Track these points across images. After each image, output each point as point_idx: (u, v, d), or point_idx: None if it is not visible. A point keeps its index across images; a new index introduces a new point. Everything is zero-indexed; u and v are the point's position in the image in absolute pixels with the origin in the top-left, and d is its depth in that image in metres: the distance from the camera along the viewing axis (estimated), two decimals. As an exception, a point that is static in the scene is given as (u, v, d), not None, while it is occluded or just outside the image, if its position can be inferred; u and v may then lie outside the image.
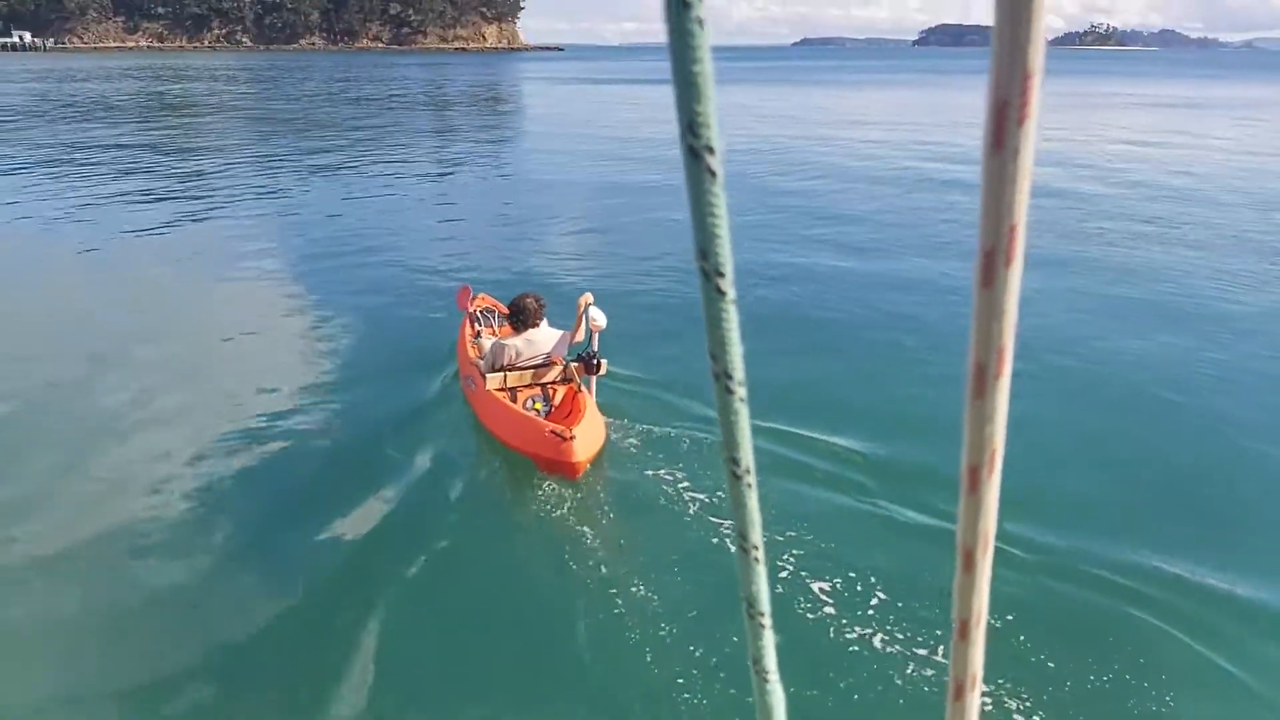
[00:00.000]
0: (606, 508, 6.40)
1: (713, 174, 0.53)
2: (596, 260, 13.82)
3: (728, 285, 0.58)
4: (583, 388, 7.47)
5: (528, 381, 7.32)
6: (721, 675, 4.70)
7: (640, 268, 12.95)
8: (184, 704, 4.65)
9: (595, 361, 7.33)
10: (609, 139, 31.98)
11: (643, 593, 5.39)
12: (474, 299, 9.05)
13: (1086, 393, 8.53)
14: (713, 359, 0.62)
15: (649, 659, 4.87)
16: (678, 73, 0.50)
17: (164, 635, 5.18)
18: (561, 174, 23.26)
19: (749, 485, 0.71)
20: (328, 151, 27.08)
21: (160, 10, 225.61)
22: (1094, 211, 17.23)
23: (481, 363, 7.47)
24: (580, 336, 7.39)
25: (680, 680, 4.69)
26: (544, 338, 7.37)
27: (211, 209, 17.89)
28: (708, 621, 5.11)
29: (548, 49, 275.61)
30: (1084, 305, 11.27)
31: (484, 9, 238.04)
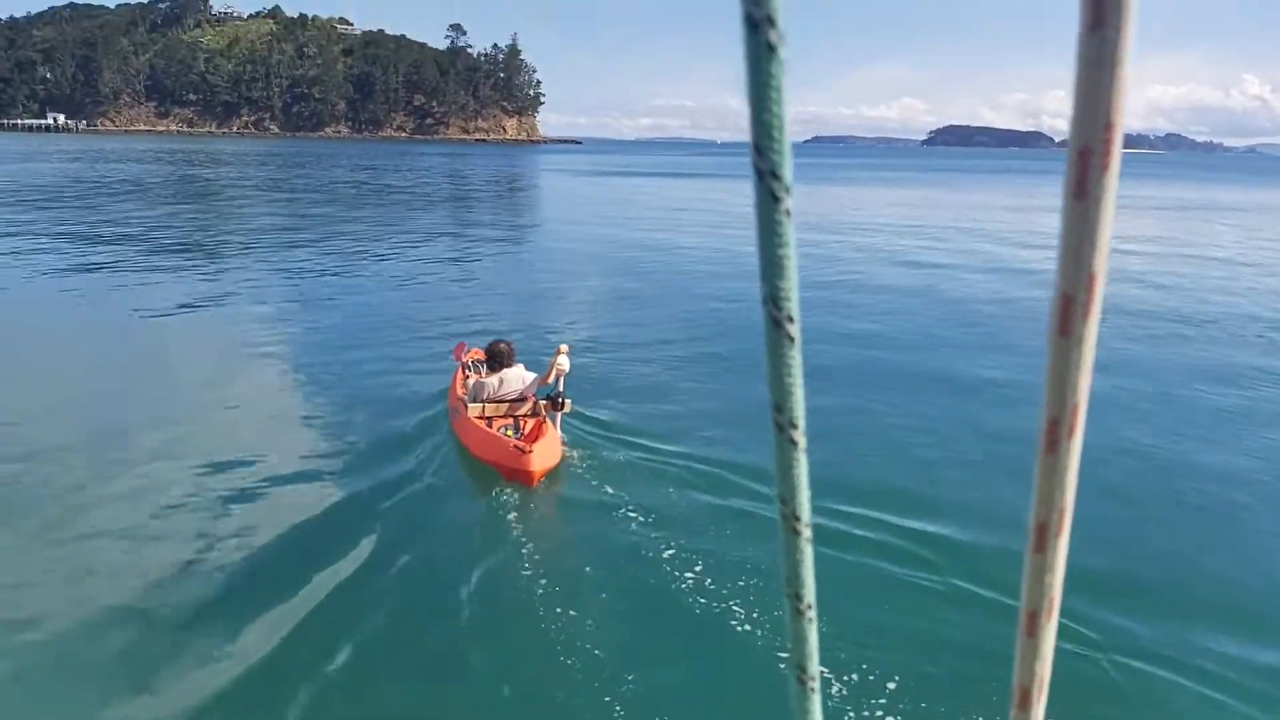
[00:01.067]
0: (554, 513, 7.79)
1: (788, 213, 0.54)
2: (592, 324, 15.56)
3: (796, 331, 0.58)
4: (549, 421, 8.78)
5: (502, 413, 8.80)
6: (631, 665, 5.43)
7: (627, 333, 14.74)
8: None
9: (560, 400, 8.82)
10: (619, 223, 33.34)
11: (574, 588, 6.42)
12: (468, 351, 10.70)
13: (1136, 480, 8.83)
14: (776, 409, 0.62)
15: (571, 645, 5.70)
16: (755, 108, 0.51)
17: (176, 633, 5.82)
18: (572, 253, 24.79)
19: (807, 540, 0.70)
20: (352, 233, 27.69)
21: (191, 97, 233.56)
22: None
23: (465, 397, 9.07)
24: (551, 379, 8.88)
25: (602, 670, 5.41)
26: (516, 376, 8.94)
27: (238, 284, 18.60)
28: (632, 606, 6.18)
29: (566, 142, 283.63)
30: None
31: (505, 103, 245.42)
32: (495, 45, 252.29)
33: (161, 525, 7.30)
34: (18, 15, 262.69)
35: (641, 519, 7.44)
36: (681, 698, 5.22)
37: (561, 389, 8.86)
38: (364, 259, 22.80)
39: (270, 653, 5.56)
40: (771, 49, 0.49)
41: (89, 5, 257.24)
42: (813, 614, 0.73)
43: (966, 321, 16.16)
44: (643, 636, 5.85)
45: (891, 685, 5.26)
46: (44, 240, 23.66)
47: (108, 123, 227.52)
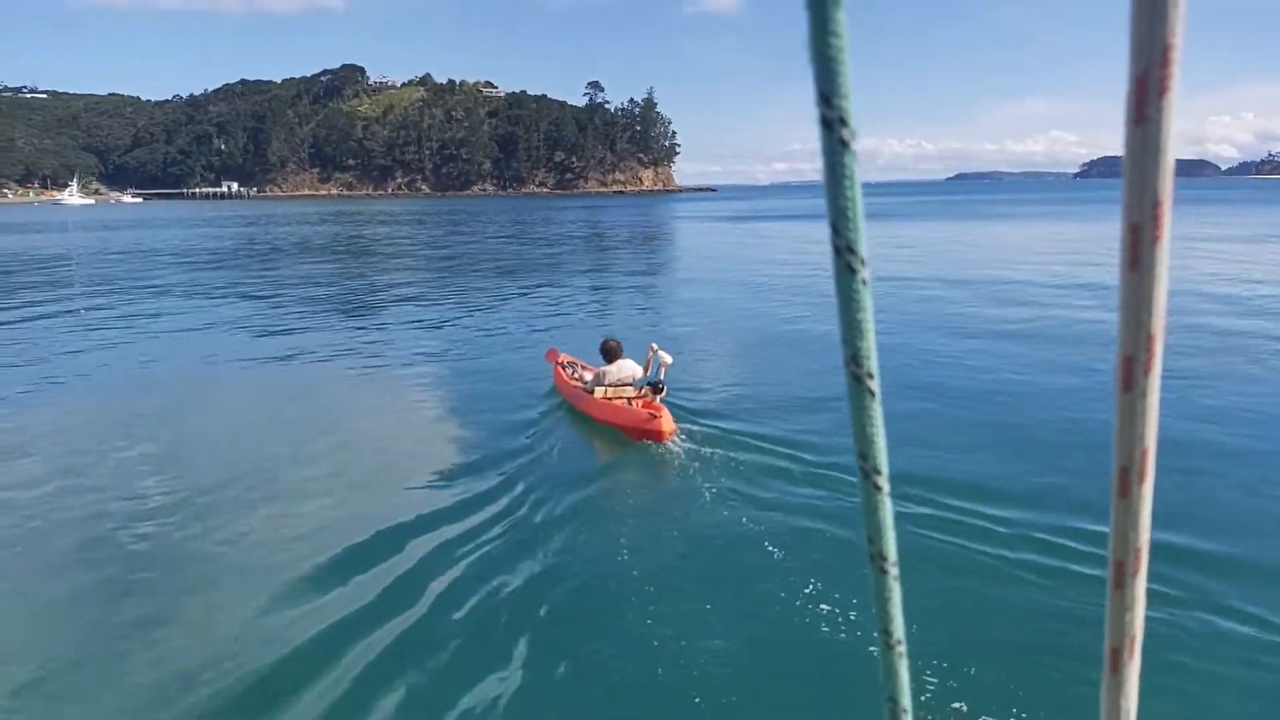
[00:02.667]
0: (672, 463, 9.68)
1: (864, 283, 0.59)
2: (703, 344, 17.21)
3: (875, 386, 0.63)
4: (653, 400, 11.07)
5: (618, 394, 11.35)
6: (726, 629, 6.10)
7: (729, 350, 16.58)
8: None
9: (660, 385, 11.08)
10: (751, 267, 32.83)
11: (679, 521, 8.09)
12: (560, 356, 13.66)
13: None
14: (861, 457, 0.66)
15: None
16: (831, 194, 0.56)
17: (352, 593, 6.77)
18: (704, 296, 25.43)
19: (895, 579, 0.72)
20: (500, 283, 28.02)
21: (350, 162, 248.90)
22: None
23: (588, 382, 11.74)
24: (651, 371, 11.32)
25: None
26: (627, 366, 11.59)
27: (403, 326, 19.85)
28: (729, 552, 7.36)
29: (701, 190, 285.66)
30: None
31: (641, 155, 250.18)
32: (631, 99, 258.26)
33: (357, 512, 8.51)
34: (196, 93, 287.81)
35: (734, 476, 9.14)
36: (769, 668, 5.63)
37: (663, 378, 11.11)
38: (511, 304, 24.02)
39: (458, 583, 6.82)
40: (844, 144, 0.55)
41: (259, 81, 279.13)
42: (903, 649, 0.75)
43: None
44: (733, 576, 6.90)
45: (976, 648, 5.61)
46: (230, 295, 24.90)
47: (275, 189, 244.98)
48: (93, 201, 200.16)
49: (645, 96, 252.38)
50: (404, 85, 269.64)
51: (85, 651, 6.06)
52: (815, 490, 8.56)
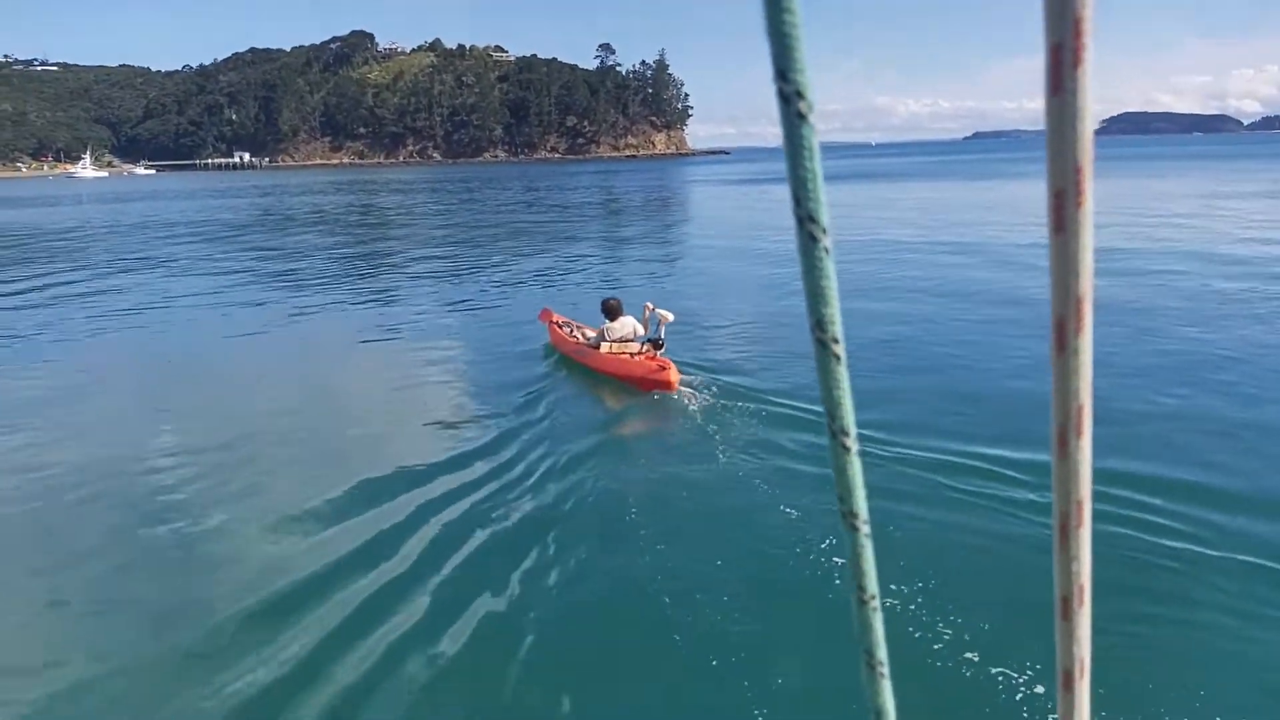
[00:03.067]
0: (684, 411, 10.42)
1: (826, 250, 0.62)
2: (709, 307, 17.44)
3: (840, 350, 0.65)
4: (655, 355, 11.71)
5: (621, 349, 11.97)
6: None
7: (745, 319, 16.31)
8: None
9: (660, 341, 11.82)
10: (759, 231, 32.74)
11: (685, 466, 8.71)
12: (554, 315, 14.19)
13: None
14: (830, 418, 0.68)
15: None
16: (791, 165, 0.59)
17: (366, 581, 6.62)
18: (711, 259, 25.80)
19: (866, 536, 0.73)
20: (512, 249, 27.94)
21: (361, 130, 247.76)
22: None
23: (591, 339, 12.52)
24: (648, 329, 12.03)
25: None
26: (629, 323, 12.17)
27: (412, 295, 19.62)
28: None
29: (714, 153, 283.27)
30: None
31: (653, 118, 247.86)
32: (643, 62, 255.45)
33: (380, 480, 8.58)
34: (206, 63, 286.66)
35: (733, 423, 9.84)
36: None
37: (662, 334, 11.87)
38: (521, 269, 24.40)
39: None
40: (802, 117, 0.58)
41: (268, 50, 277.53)
42: (877, 604, 0.76)
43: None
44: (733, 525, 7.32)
45: (945, 597, 5.94)
46: (246, 264, 24.96)
47: (287, 158, 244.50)
48: (106, 174, 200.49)
49: (657, 58, 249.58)
50: (413, 51, 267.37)
51: (97, 602, 6.42)
52: (814, 437, 9.02)
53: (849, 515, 0.71)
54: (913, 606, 5.79)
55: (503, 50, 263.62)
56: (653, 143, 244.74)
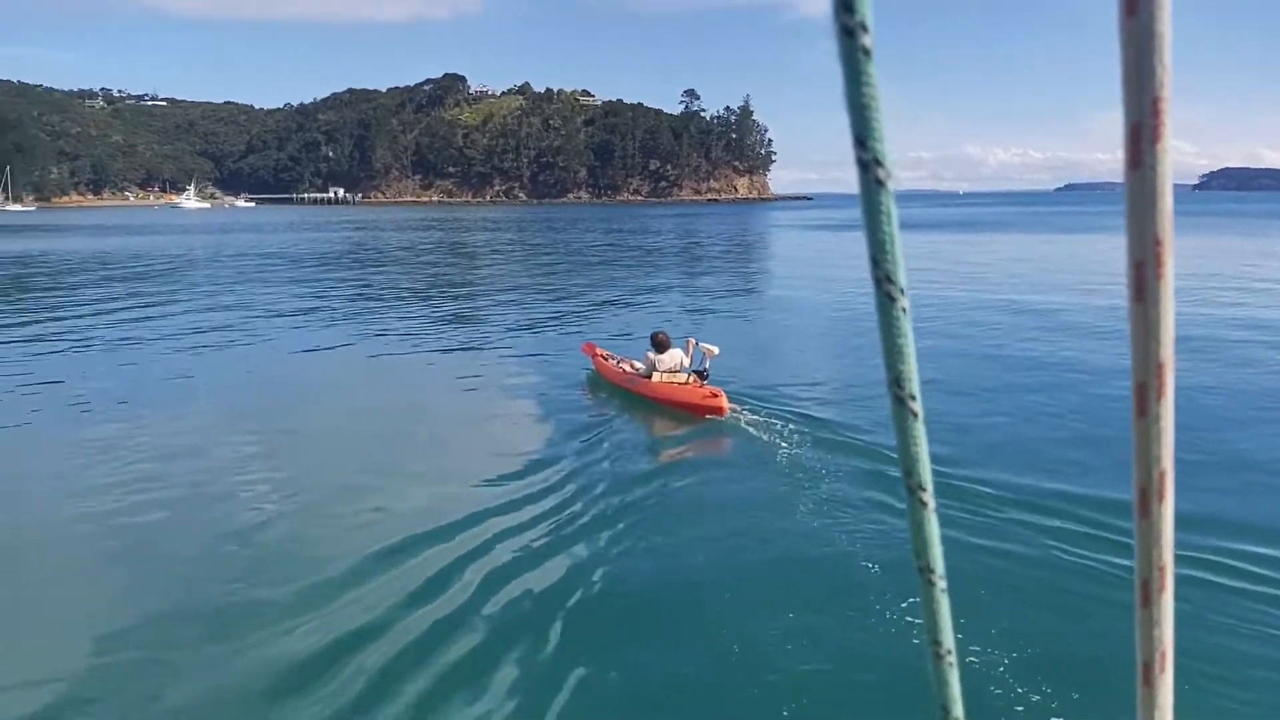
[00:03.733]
0: (730, 437, 11.27)
1: (904, 310, 0.64)
2: (769, 344, 18.40)
3: (918, 407, 0.67)
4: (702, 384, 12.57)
5: (671, 378, 12.80)
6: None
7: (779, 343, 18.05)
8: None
9: (705, 373, 12.72)
10: (843, 276, 31.80)
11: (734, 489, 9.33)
12: (597, 349, 15.26)
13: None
14: (906, 474, 0.69)
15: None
16: (870, 228, 0.62)
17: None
18: (788, 299, 26.06)
19: (942, 590, 0.74)
20: (589, 286, 27.72)
21: (451, 169, 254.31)
22: None
23: (640, 370, 13.37)
24: (693, 361, 12.91)
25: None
26: (676, 354, 13.03)
27: (492, 331, 19.40)
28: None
29: (797, 198, 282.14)
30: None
31: (736, 163, 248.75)
32: (727, 108, 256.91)
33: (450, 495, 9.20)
34: (306, 101, 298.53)
35: (787, 450, 10.48)
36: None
37: (707, 366, 12.72)
38: (605, 308, 24.48)
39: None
40: (880, 184, 0.60)
41: (365, 90, 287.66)
42: (953, 659, 0.76)
43: None
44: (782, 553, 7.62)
45: (1026, 657, 5.78)
46: (338, 294, 25.17)
47: (379, 195, 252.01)
48: (208, 205, 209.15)
49: (741, 104, 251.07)
50: (503, 94, 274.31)
51: (162, 623, 6.53)
52: (867, 466, 9.67)
53: (925, 570, 0.72)
54: (991, 663, 5.72)
55: (589, 94, 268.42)
56: (735, 187, 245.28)
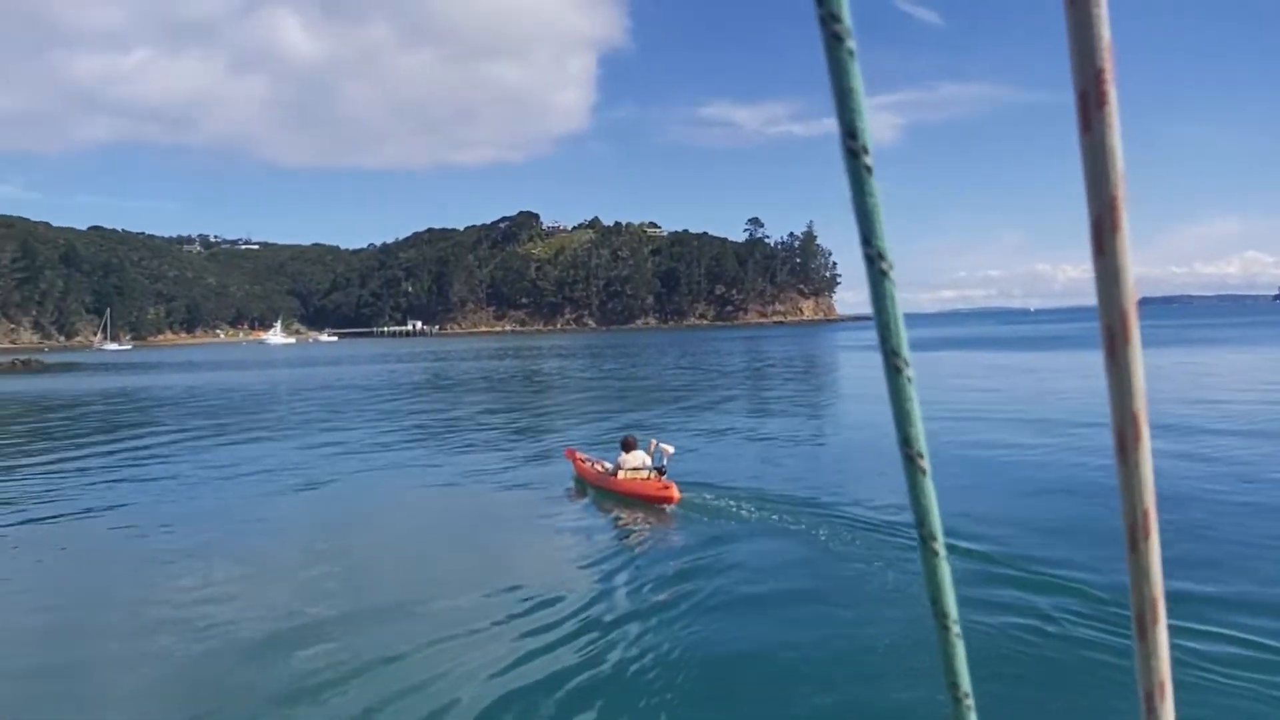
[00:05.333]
0: (678, 522, 13.63)
1: (909, 380, 0.74)
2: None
3: (925, 464, 0.74)
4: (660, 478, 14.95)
5: (634, 475, 15.06)
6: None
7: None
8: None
9: (663, 468, 15.02)
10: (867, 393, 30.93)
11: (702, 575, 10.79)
12: (577, 453, 17.63)
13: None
14: (919, 524, 0.75)
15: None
16: (877, 311, 0.72)
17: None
18: (844, 418, 24.77)
19: (957, 635, 0.78)
20: (674, 409, 28.05)
21: (524, 300, 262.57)
22: None
23: (609, 469, 15.62)
24: (654, 459, 15.21)
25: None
26: (639, 455, 15.30)
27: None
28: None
29: (863, 318, 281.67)
30: None
31: (801, 286, 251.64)
32: (791, 233, 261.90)
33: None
34: (388, 241, 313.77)
35: (731, 530, 12.95)
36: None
37: (665, 463, 15.13)
38: (681, 427, 23.96)
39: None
40: (884, 274, 0.71)
41: (444, 229, 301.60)
42: (970, 702, 0.80)
43: None
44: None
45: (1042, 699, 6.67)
46: (418, 422, 26.16)
47: (455, 326, 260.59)
48: (293, 340, 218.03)
49: (805, 229, 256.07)
50: (574, 229, 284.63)
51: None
52: (810, 529, 12.48)
53: (941, 616, 0.76)
54: (1007, 700, 6.46)
55: (656, 226, 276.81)
56: (800, 309, 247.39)
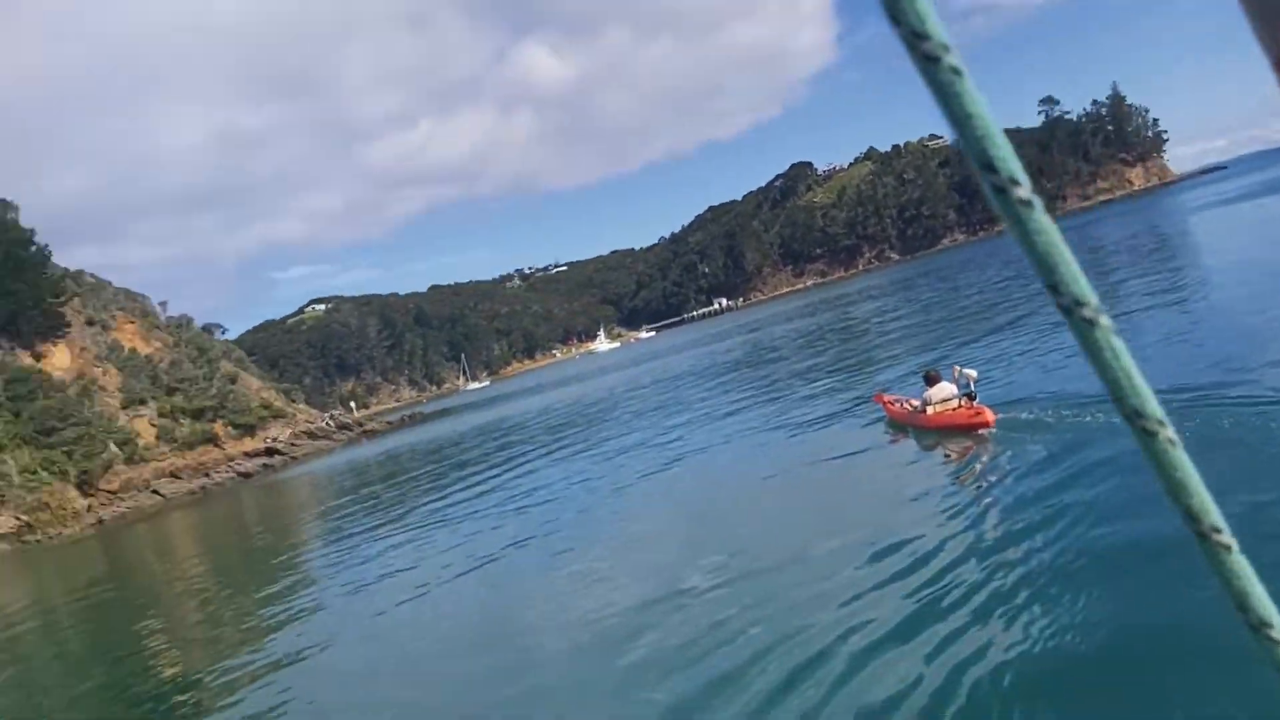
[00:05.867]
0: (999, 447, 13.36)
1: (1109, 331, 0.59)
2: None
3: (1171, 433, 0.60)
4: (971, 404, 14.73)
5: (944, 407, 15.06)
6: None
7: None
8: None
9: (973, 393, 14.72)
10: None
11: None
12: (885, 396, 17.82)
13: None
14: (1187, 512, 0.62)
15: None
16: (1028, 250, 0.58)
17: None
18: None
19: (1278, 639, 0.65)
20: (980, 334, 26.35)
21: (818, 251, 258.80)
22: None
23: (917, 406, 15.66)
24: (959, 387, 14.98)
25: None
26: (947, 387, 15.29)
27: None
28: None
29: (1207, 171, 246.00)
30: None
31: (1123, 155, 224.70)
32: (1094, 101, 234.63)
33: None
34: (675, 230, 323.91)
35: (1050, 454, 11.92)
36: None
37: (973, 388, 14.71)
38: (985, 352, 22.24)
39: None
40: (957, 72, 0.54)
41: (723, 204, 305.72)
42: None
43: None
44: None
45: None
46: (745, 395, 26.99)
47: (757, 294, 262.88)
48: (618, 344, 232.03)
49: (1110, 94, 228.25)
50: (851, 165, 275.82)
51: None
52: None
53: (1260, 625, 0.63)
54: None
55: (937, 137, 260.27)
56: (1129, 181, 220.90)
